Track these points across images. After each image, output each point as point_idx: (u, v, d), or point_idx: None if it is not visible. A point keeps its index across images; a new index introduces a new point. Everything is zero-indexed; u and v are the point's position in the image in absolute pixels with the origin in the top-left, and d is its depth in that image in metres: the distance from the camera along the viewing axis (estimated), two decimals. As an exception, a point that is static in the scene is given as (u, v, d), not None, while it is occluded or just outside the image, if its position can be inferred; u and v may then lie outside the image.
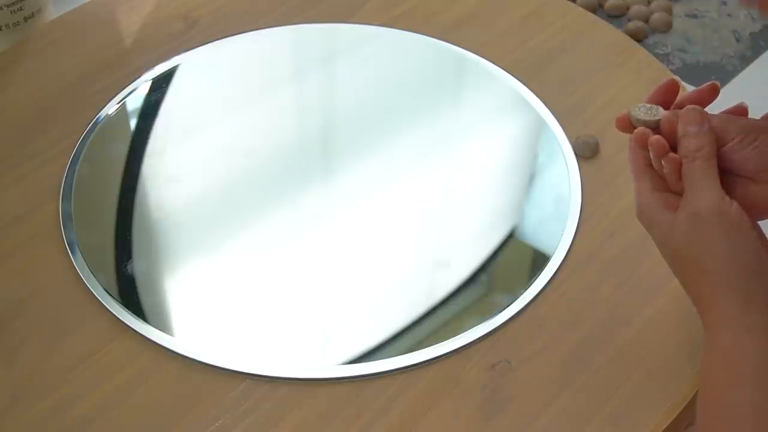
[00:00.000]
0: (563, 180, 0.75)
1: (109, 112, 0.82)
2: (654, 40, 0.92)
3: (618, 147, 0.77)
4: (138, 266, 0.71)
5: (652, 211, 0.60)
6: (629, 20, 0.93)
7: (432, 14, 0.90)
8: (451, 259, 0.73)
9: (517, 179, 0.79)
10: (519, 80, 0.84)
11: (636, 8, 0.94)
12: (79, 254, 0.71)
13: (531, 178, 0.80)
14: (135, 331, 0.66)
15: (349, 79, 0.88)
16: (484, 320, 0.66)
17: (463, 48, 0.87)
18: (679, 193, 0.59)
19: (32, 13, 0.90)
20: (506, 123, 0.84)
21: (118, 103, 0.83)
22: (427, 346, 0.65)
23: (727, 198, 0.57)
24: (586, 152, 0.77)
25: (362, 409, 0.62)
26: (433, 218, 0.76)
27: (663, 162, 0.60)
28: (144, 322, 0.67)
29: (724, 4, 0.99)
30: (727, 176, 0.59)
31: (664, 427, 0.61)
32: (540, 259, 0.71)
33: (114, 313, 0.67)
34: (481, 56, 0.86)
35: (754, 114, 0.79)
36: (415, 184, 0.77)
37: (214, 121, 0.83)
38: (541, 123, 0.80)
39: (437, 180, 0.78)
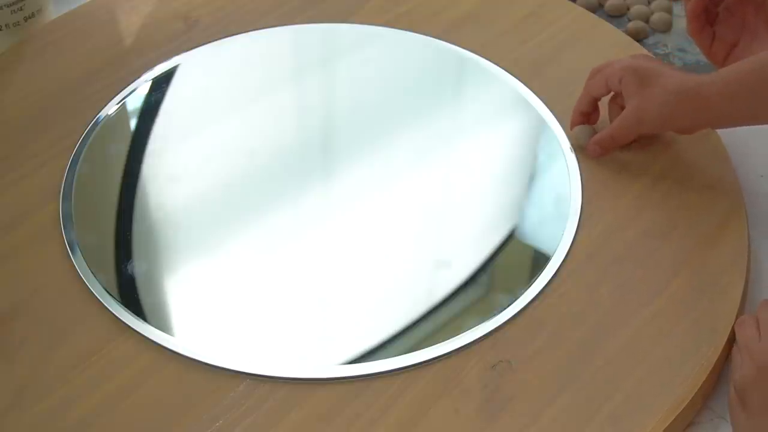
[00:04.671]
0: (563, 180, 0.75)
1: (109, 112, 0.82)
2: (654, 40, 0.92)
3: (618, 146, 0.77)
4: (138, 266, 0.71)
5: None
6: (629, 20, 0.93)
7: (432, 14, 0.90)
8: (452, 259, 0.73)
9: (517, 179, 0.79)
10: (519, 80, 0.84)
11: (636, 8, 0.94)
12: (79, 254, 0.71)
13: (531, 178, 0.80)
14: (135, 331, 0.66)
15: (349, 79, 0.88)
16: (484, 320, 0.66)
17: (463, 48, 0.87)
18: None
19: (32, 13, 0.90)
20: (506, 123, 0.84)
21: (118, 103, 0.83)
22: (427, 346, 0.65)
23: None
24: (586, 141, 0.76)
25: (362, 409, 0.62)
26: (433, 218, 0.76)
27: None
28: (144, 322, 0.67)
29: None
30: None
31: (664, 427, 0.61)
32: (540, 259, 0.71)
33: (114, 313, 0.67)
34: (481, 56, 0.86)
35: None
36: (415, 184, 0.77)
37: (214, 121, 0.83)
38: (541, 123, 0.80)
39: (437, 180, 0.78)
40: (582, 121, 0.77)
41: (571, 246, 0.71)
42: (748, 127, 0.76)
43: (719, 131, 0.78)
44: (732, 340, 0.66)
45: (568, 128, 0.79)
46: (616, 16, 0.94)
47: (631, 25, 0.92)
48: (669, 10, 0.94)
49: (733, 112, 0.70)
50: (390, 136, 0.81)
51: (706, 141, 0.78)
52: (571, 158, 0.77)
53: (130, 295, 0.69)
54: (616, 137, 0.75)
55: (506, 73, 0.84)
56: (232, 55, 0.89)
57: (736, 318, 0.66)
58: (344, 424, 0.61)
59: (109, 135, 0.81)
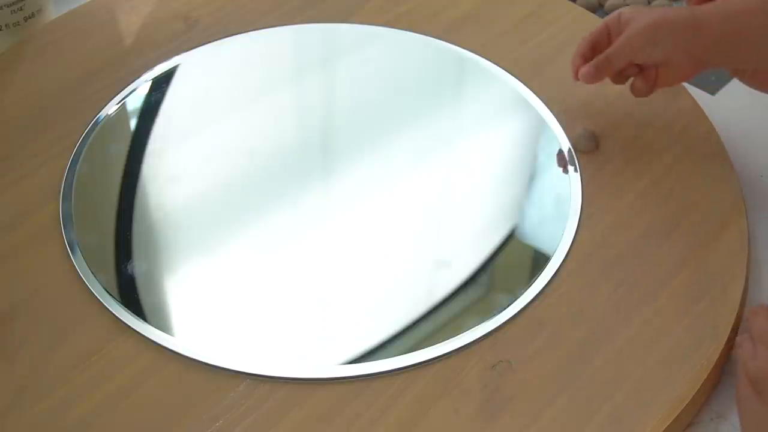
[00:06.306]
0: (563, 180, 0.75)
1: (109, 112, 0.82)
2: (654, 40, 0.92)
3: (618, 146, 0.77)
4: (138, 266, 0.71)
5: None
6: (629, 20, 0.93)
7: (432, 14, 0.90)
8: (452, 259, 0.73)
9: (517, 179, 0.79)
10: (519, 80, 0.84)
11: (636, 8, 0.94)
12: (79, 254, 0.71)
13: (531, 178, 0.80)
14: (135, 331, 0.66)
15: (349, 79, 0.88)
16: (484, 320, 0.66)
17: (463, 48, 0.87)
18: None
19: (32, 13, 0.90)
20: (506, 123, 0.84)
21: (118, 103, 0.83)
22: (427, 346, 0.65)
23: None
24: (586, 147, 0.77)
25: (362, 409, 0.62)
26: (433, 218, 0.76)
27: None
28: (144, 322, 0.67)
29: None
30: None
31: (664, 427, 0.61)
32: (540, 259, 0.71)
33: (114, 313, 0.67)
34: (481, 56, 0.86)
35: (755, 120, 0.79)
36: (415, 184, 0.77)
37: (214, 121, 0.83)
38: (541, 123, 0.80)
39: (437, 180, 0.78)
40: (583, 64, 0.76)
41: (571, 246, 0.71)
42: (747, 127, 0.76)
43: (719, 132, 0.78)
44: (732, 340, 0.66)
45: (569, 128, 0.79)
46: (616, 16, 0.94)
47: (631, 25, 0.92)
48: (669, 10, 0.95)
49: (726, 35, 0.70)
50: (390, 136, 0.81)
51: (706, 141, 0.78)
52: (571, 158, 0.77)
53: (130, 295, 0.69)
54: (611, 58, 0.74)
55: (506, 73, 0.84)
56: (232, 55, 0.89)
57: (736, 318, 0.66)
58: (344, 424, 0.61)
59: (109, 135, 0.81)
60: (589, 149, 0.77)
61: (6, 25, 0.88)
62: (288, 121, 0.85)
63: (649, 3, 0.95)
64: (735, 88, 0.84)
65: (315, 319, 0.69)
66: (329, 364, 0.65)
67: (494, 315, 0.67)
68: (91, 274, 0.70)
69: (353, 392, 0.63)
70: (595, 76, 0.75)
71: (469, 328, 0.66)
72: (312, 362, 0.65)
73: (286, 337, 0.67)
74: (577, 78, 0.76)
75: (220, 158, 0.80)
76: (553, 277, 0.69)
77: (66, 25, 0.91)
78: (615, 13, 0.75)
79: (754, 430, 0.59)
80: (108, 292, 0.69)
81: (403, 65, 0.88)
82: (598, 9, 0.95)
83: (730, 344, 0.65)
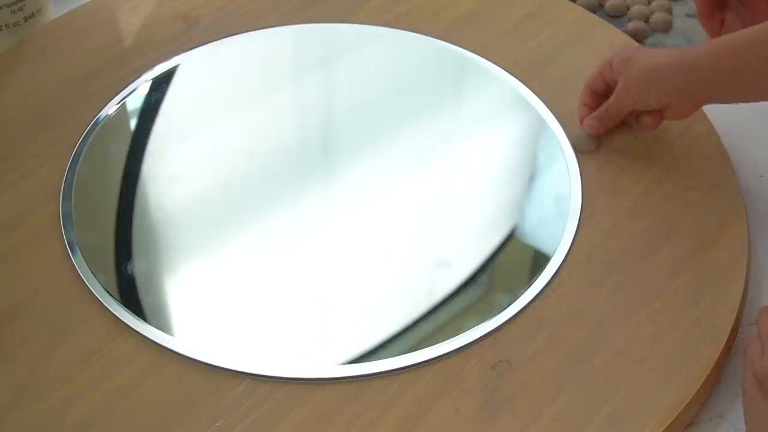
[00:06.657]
0: (563, 180, 0.75)
1: (109, 112, 0.82)
2: (654, 40, 0.92)
3: (618, 147, 0.77)
4: (138, 266, 0.71)
5: None
6: (629, 20, 0.93)
7: (432, 14, 0.90)
8: (452, 258, 0.73)
9: (517, 179, 0.79)
10: (519, 80, 0.84)
11: (636, 8, 0.94)
12: (79, 254, 0.71)
13: (531, 178, 0.80)
14: (135, 331, 0.66)
15: (349, 79, 0.88)
16: (484, 320, 0.66)
17: (463, 48, 0.87)
18: None
19: (32, 13, 0.90)
20: (506, 123, 0.84)
21: (118, 103, 0.83)
22: (427, 346, 0.65)
23: None
24: (586, 147, 0.77)
25: (362, 409, 0.62)
26: (433, 218, 0.76)
27: None
28: (144, 322, 0.67)
29: (724, 4, 0.99)
30: None
31: (664, 427, 0.61)
32: (540, 259, 0.71)
33: (114, 313, 0.67)
34: (481, 56, 0.86)
35: (755, 120, 0.79)
36: (415, 184, 0.77)
37: (214, 121, 0.83)
38: (541, 123, 0.80)
39: (437, 180, 0.78)
40: (589, 113, 0.77)
41: (571, 246, 0.71)
42: (747, 127, 0.76)
43: (719, 132, 0.78)
44: (732, 341, 0.66)
45: (569, 128, 0.79)
46: (616, 16, 0.94)
47: (630, 25, 0.92)
48: (669, 10, 0.94)
49: (720, 76, 0.70)
50: (390, 136, 0.81)
51: (706, 141, 0.78)
52: (571, 158, 0.77)
53: (130, 295, 0.69)
54: (611, 109, 0.75)
55: (506, 73, 0.84)
56: (232, 55, 0.89)
57: (736, 319, 0.66)
58: (344, 424, 0.61)
59: (109, 135, 0.81)
60: (589, 149, 0.77)
61: (6, 25, 0.88)
62: (288, 121, 0.85)
63: (649, 3, 0.95)
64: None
65: (315, 319, 0.69)
66: (329, 364, 0.65)
67: (494, 315, 0.67)
68: (91, 274, 0.70)
69: (353, 392, 0.63)
70: (599, 128, 0.77)
71: (469, 328, 0.66)
72: (312, 362, 0.65)
73: (286, 337, 0.67)
74: (581, 122, 0.78)
75: (220, 158, 0.80)
76: (553, 277, 0.69)
77: (66, 25, 0.91)
78: (607, 60, 0.75)
79: (759, 429, 0.59)
80: (108, 292, 0.69)
81: (403, 65, 0.88)
82: (598, 9, 0.95)
83: (730, 345, 0.65)
